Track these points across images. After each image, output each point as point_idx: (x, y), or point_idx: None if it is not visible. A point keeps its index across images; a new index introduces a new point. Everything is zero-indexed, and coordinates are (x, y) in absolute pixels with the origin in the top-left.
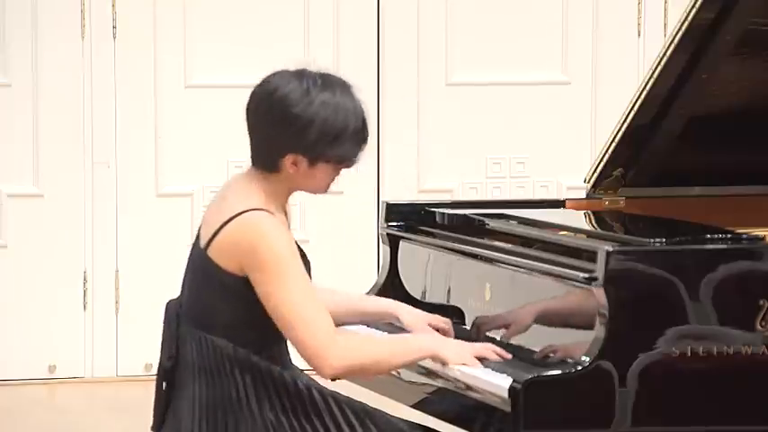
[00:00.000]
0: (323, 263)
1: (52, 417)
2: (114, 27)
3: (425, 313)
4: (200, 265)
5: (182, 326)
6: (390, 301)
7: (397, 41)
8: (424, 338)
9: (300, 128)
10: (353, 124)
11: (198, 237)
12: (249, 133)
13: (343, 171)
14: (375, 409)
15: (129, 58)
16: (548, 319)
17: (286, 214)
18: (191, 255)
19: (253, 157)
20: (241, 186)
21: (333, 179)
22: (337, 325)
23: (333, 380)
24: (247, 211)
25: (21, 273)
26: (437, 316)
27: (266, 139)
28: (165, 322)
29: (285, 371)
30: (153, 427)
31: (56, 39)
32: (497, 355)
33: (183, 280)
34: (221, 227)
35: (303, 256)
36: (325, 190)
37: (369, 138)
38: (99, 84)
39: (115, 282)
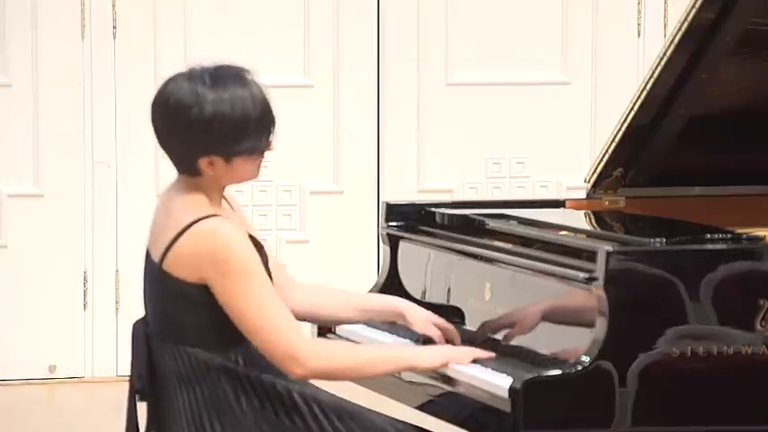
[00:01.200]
0: (323, 263)
1: (52, 417)
2: (114, 27)
3: (430, 313)
4: (157, 280)
5: (154, 342)
6: (396, 298)
7: (397, 41)
8: (403, 349)
9: (201, 130)
10: (253, 113)
11: (148, 253)
12: (160, 144)
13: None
14: (356, 406)
15: (129, 58)
16: (550, 318)
17: (231, 205)
18: (145, 271)
19: (174, 165)
20: (182, 197)
21: (257, 166)
22: (341, 323)
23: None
24: (199, 220)
25: (21, 273)
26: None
27: (176, 147)
28: (132, 343)
29: (263, 374)
30: None
31: (56, 39)
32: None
33: (144, 298)
34: (174, 239)
35: (260, 248)
36: (254, 175)
37: (274, 120)
38: (99, 84)
39: (115, 282)
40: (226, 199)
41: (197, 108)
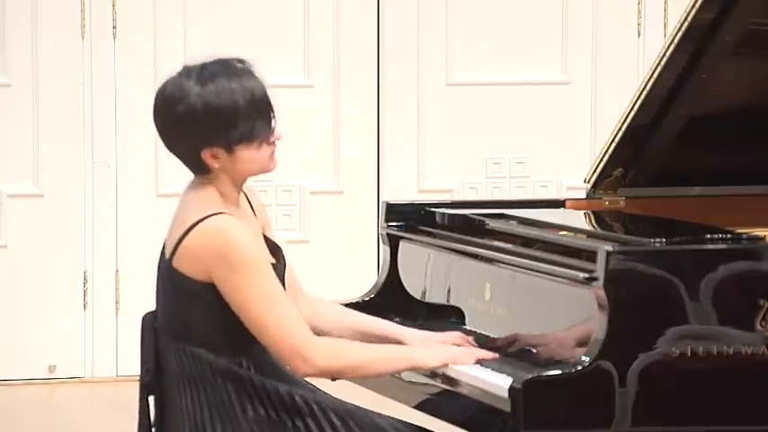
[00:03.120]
0: (323, 263)
1: (52, 417)
2: (114, 27)
3: (436, 335)
4: (168, 277)
5: (161, 338)
6: (396, 326)
7: (397, 41)
8: (405, 349)
9: (192, 124)
10: (242, 101)
11: (163, 250)
12: (164, 144)
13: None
14: (359, 408)
15: (129, 58)
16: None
17: (250, 203)
18: (158, 268)
19: (186, 167)
20: (195, 195)
21: (269, 154)
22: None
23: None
24: (207, 217)
25: (21, 273)
26: (450, 334)
27: (176, 145)
28: (142, 335)
29: (266, 379)
30: None
31: (56, 39)
32: (468, 343)
33: (156, 293)
34: (183, 235)
35: (278, 252)
36: (267, 165)
37: (270, 106)
38: (99, 84)
39: (115, 282)
40: (248, 199)
41: (183, 103)
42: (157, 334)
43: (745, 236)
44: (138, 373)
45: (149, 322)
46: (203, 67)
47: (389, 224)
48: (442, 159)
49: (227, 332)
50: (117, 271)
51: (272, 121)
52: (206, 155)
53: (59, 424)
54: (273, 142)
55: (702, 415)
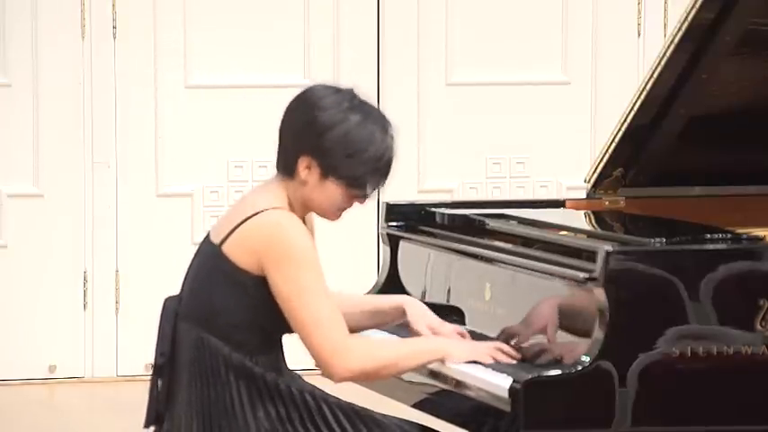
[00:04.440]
0: (323, 263)
1: (52, 417)
2: (114, 27)
3: (432, 318)
4: (213, 263)
5: (180, 323)
6: (399, 296)
7: (397, 41)
8: (435, 340)
9: (320, 131)
10: (374, 151)
11: (208, 235)
12: (279, 133)
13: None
14: (367, 410)
15: (129, 58)
16: (556, 319)
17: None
18: (198, 252)
19: (277, 159)
20: (263, 188)
21: (344, 205)
22: (352, 329)
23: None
24: (269, 209)
25: (21, 273)
26: (450, 326)
27: (288, 138)
28: (161, 318)
29: (279, 377)
30: (145, 425)
31: (56, 39)
32: (507, 355)
33: (186, 277)
34: (240, 224)
35: None
36: (335, 213)
37: (385, 178)
38: (99, 84)
39: (115, 282)
40: (306, 224)
41: (329, 113)
42: (178, 319)
43: (745, 236)
44: (139, 372)
45: (172, 306)
46: (362, 100)
47: (389, 224)
48: (442, 159)
49: (254, 330)
50: (117, 271)
51: (373, 190)
52: (303, 161)
53: (59, 424)
54: (353, 203)
55: (702, 415)
